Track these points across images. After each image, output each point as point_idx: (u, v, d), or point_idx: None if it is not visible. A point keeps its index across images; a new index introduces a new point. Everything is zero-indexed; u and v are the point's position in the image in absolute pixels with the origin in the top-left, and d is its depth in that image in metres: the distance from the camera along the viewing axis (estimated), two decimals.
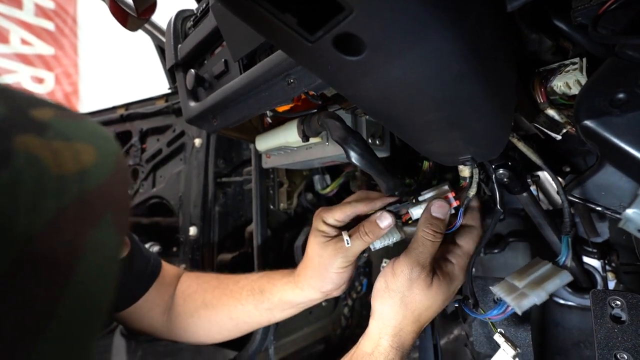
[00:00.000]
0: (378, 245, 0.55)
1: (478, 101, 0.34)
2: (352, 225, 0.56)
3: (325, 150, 0.61)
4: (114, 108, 1.16)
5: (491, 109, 0.35)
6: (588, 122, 0.34)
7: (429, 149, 0.44)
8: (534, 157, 0.45)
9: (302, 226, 0.91)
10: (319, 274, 0.58)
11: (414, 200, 0.51)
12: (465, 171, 0.46)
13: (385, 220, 0.53)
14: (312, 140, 0.61)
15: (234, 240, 0.94)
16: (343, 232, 0.53)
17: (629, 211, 0.32)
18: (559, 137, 0.47)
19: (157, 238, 1.14)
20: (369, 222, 0.54)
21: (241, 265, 0.92)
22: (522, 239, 0.89)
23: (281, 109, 0.60)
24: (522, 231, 0.91)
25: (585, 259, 0.80)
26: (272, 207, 0.86)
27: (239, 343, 0.79)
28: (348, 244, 0.52)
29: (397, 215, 0.53)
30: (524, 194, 0.61)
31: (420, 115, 0.35)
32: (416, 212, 0.51)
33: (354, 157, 0.43)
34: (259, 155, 0.82)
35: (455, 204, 0.48)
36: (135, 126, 1.11)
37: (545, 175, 0.94)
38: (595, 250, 0.79)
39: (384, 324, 0.47)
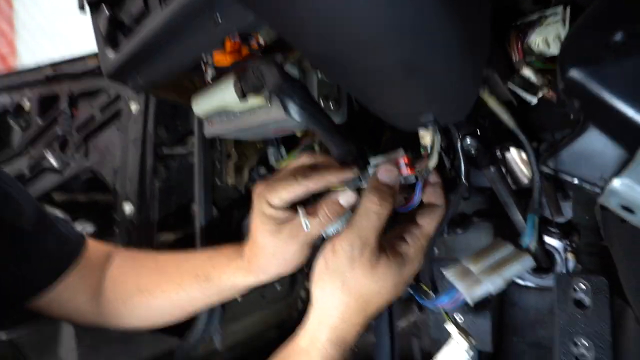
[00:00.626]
0: (331, 230, 0.47)
1: (444, 39, 0.26)
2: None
3: (269, 113, 0.52)
4: (39, 68, 1.00)
5: (459, 53, 0.28)
6: (575, 73, 0.27)
7: (384, 107, 0.36)
8: (506, 118, 0.38)
9: (251, 203, 0.82)
10: (275, 261, 0.51)
11: (364, 170, 0.43)
12: (426, 137, 0.39)
13: (349, 198, 0.46)
14: (254, 101, 0.52)
15: (178, 219, 0.84)
16: (300, 213, 0.45)
17: (616, 182, 0.26)
18: (534, 101, 0.41)
19: (95, 217, 1.01)
20: (331, 202, 0.46)
21: (185, 247, 0.83)
22: (487, 219, 0.86)
23: (220, 63, 0.50)
24: (487, 210, 0.87)
25: (547, 239, 0.77)
26: (218, 182, 0.76)
27: (184, 328, 0.71)
28: (307, 228, 0.44)
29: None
30: (492, 169, 0.55)
31: (373, 57, 0.27)
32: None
33: (293, 110, 0.35)
34: (201, 122, 0.72)
35: (406, 171, 0.41)
36: (64, 89, 0.95)
37: (511, 153, 0.90)
38: (557, 231, 0.76)
39: (323, 314, 0.41)
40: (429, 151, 0.40)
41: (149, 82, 0.57)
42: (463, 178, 0.39)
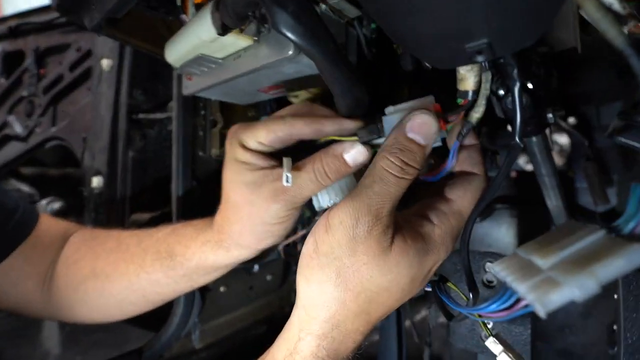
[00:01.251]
0: (326, 201, 0.36)
1: None
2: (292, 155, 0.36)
3: (257, 55, 0.41)
4: (4, 19, 0.87)
5: None
6: None
7: (416, 26, 0.24)
8: (613, 33, 0.25)
9: None
10: (251, 228, 0.39)
11: (378, 124, 0.32)
12: (468, 79, 0.27)
13: (358, 155, 0.34)
14: (239, 41, 0.40)
15: (155, 196, 0.73)
16: (285, 162, 0.33)
17: None
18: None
19: (66, 193, 0.90)
20: (332, 156, 0.34)
21: None
22: (511, 206, 0.74)
23: None
24: (511, 196, 0.76)
25: None
26: (200, 152, 0.65)
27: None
28: (288, 182, 0.32)
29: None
30: (535, 138, 0.44)
31: None
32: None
33: (285, 24, 0.24)
34: (180, 79, 0.60)
35: (439, 127, 0.29)
36: (29, 44, 0.83)
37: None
38: (600, 222, 0.65)
39: (308, 316, 0.29)
40: (469, 97, 0.28)
41: (108, 17, 0.45)
42: (517, 137, 0.28)
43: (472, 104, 0.29)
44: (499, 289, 0.26)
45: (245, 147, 0.36)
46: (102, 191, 0.69)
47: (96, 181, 0.69)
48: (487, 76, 0.26)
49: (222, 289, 0.68)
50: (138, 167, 0.71)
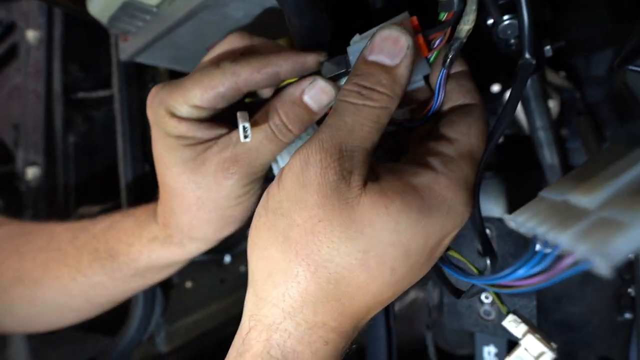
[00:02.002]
0: (288, 157, 0.29)
1: None
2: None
3: None
4: None
5: None
6: None
7: None
8: None
9: None
10: (204, 216, 0.31)
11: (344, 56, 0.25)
12: None
13: (321, 93, 0.27)
14: None
15: (105, 186, 0.64)
16: (239, 115, 0.26)
17: None
18: None
19: (5, 192, 0.79)
20: (289, 103, 0.27)
21: None
22: (498, 173, 0.70)
23: None
24: (496, 163, 0.72)
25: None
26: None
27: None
28: (247, 137, 0.25)
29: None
30: (530, 79, 0.38)
31: None
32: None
33: None
34: (117, 42, 0.52)
35: (420, 43, 0.23)
36: None
37: None
38: None
39: (256, 296, 0.22)
40: (454, 7, 0.22)
41: None
42: (528, 52, 0.22)
43: (459, 16, 0.22)
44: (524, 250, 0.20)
45: (175, 116, 0.28)
46: (40, 184, 0.59)
47: (32, 172, 0.59)
48: None
49: (188, 284, 0.60)
50: (82, 154, 0.62)
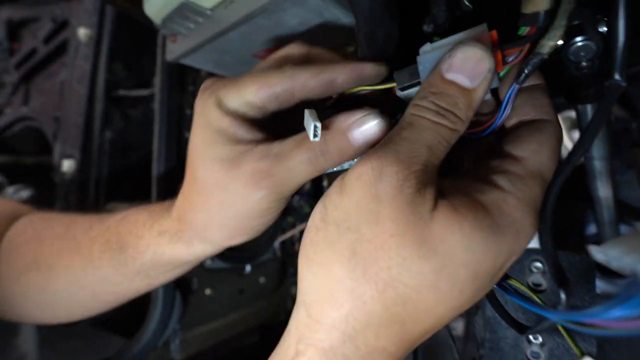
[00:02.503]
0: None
1: None
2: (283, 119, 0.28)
3: None
4: None
5: None
6: None
7: None
8: None
9: None
10: (221, 221, 0.30)
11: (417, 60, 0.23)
12: None
13: (372, 131, 0.25)
14: None
15: (137, 183, 0.65)
16: (307, 113, 0.24)
17: None
18: None
19: (40, 182, 0.81)
20: (336, 131, 0.26)
21: None
22: None
23: None
24: None
25: (625, 231, 0.58)
26: (187, 134, 0.57)
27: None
28: (317, 136, 0.24)
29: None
30: (591, 106, 0.36)
31: None
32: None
33: None
34: (164, 43, 0.52)
35: (495, 64, 0.21)
36: (2, 16, 0.75)
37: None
38: None
39: (310, 318, 0.19)
40: (539, 22, 0.20)
41: None
42: (618, 72, 0.20)
43: (543, 32, 0.21)
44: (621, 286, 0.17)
45: (224, 109, 0.27)
46: (74, 177, 0.60)
47: (67, 165, 0.60)
48: None
49: (208, 291, 0.59)
50: (117, 151, 0.62)
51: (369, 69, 0.25)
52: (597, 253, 0.18)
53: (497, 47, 0.22)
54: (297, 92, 0.27)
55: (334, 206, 0.20)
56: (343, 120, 0.26)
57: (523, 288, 0.23)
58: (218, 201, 0.28)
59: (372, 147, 0.21)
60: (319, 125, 0.23)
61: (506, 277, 0.24)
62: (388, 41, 0.23)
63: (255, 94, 0.26)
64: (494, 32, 0.22)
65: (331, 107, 0.30)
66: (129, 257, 0.35)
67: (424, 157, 0.19)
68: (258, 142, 0.28)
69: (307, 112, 0.24)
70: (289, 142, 0.27)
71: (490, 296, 0.28)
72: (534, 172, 0.21)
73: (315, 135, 0.23)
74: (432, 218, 0.18)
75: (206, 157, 0.28)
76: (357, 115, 0.25)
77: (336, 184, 0.20)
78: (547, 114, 0.23)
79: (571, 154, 0.22)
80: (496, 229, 0.19)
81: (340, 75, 0.26)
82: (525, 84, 0.24)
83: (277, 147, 0.27)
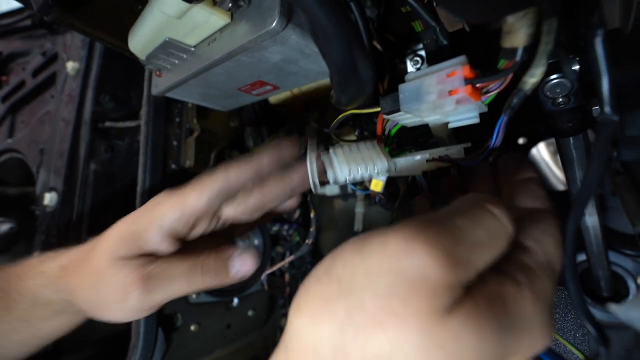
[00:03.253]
0: (345, 174, 0.29)
1: None
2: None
3: (236, 35, 0.33)
4: None
5: None
6: None
7: None
8: None
9: None
10: (92, 301, 0.33)
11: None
12: (518, 32, 0.19)
13: (243, 267, 0.33)
14: (213, 19, 0.33)
15: (120, 216, 0.63)
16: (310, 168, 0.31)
17: None
18: None
19: (22, 214, 0.79)
20: (218, 258, 0.33)
21: None
22: None
23: None
24: None
25: (614, 258, 0.58)
26: (173, 165, 0.56)
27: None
28: (315, 188, 0.33)
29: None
30: (573, 139, 0.36)
31: None
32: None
33: None
34: (150, 77, 0.53)
35: (468, 93, 0.21)
36: None
37: (539, 151, 0.72)
38: (632, 249, 0.57)
39: None
40: (517, 58, 0.20)
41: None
42: (609, 106, 0.19)
43: (520, 66, 0.21)
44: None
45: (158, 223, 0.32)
46: (55, 210, 0.59)
47: (49, 198, 0.59)
48: (552, 24, 0.19)
49: (192, 327, 0.57)
50: (101, 183, 0.61)
51: (286, 150, 0.31)
52: (620, 313, 0.17)
53: (470, 81, 0.22)
54: (232, 189, 0.33)
55: (344, 263, 0.18)
56: (226, 251, 0.32)
57: (566, 343, 0.22)
58: (96, 284, 0.32)
59: (415, 217, 0.19)
60: (316, 182, 0.30)
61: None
62: (362, 85, 0.23)
63: (179, 218, 0.32)
64: (468, 68, 0.22)
65: (335, 127, 0.32)
66: (11, 300, 0.35)
67: (467, 263, 0.17)
68: (162, 255, 0.33)
69: (309, 141, 0.30)
70: (175, 261, 0.32)
71: None
72: (542, 263, 0.20)
73: (315, 189, 0.29)
74: (451, 312, 0.17)
75: (112, 248, 0.32)
76: (238, 250, 0.32)
77: (355, 240, 0.19)
78: (543, 204, 0.24)
79: (580, 192, 0.22)
80: (515, 327, 0.18)
81: (264, 161, 0.31)
82: (523, 176, 0.26)
83: (161, 264, 0.32)
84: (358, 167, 0.29)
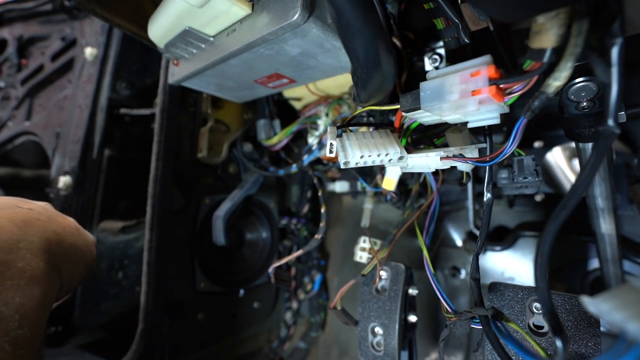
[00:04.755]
0: (356, 157, 0.29)
1: None
2: None
3: (256, 26, 0.33)
4: None
5: None
6: None
7: None
8: None
9: (229, 188, 0.62)
10: None
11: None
12: (548, 32, 0.19)
13: None
14: (233, 10, 0.32)
15: (134, 202, 0.64)
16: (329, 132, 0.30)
17: None
18: None
19: (37, 196, 0.81)
20: None
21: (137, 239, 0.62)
22: (539, 234, 0.65)
23: None
24: (538, 222, 0.67)
25: (629, 268, 0.57)
26: (186, 154, 0.57)
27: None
28: (331, 153, 0.30)
29: None
30: (591, 144, 0.36)
31: None
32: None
33: None
34: (167, 66, 0.53)
35: (490, 96, 0.21)
36: (14, 32, 0.77)
37: (553, 154, 0.70)
38: None
39: None
40: (545, 59, 0.20)
41: None
42: (612, 119, 0.19)
43: (548, 68, 0.21)
44: (617, 339, 0.16)
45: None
46: (70, 193, 0.60)
47: (63, 182, 0.60)
48: (583, 25, 0.18)
49: (200, 316, 0.57)
50: (115, 168, 0.62)
51: None
52: (590, 305, 0.17)
53: (495, 81, 0.22)
54: None
55: None
56: None
57: (522, 332, 0.22)
58: None
59: None
60: (334, 143, 0.28)
61: (502, 317, 0.23)
62: (383, 82, 0.23)
63: None
64: (493, 68, 0.22)
65: (346, 124, 0.31)
66: None
67: None
68: None
69: (329, 129, 0.28)
70: None
71: (491, 336, 0.27)
72: None
73: (330, 152, 0.28)
74: None
75: None
76: None
77: None
78: None
79: (565, 199, 0.22)
80: None
81: None
82: None
83: None
84: (370, 152, 0.28)
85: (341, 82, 0.54)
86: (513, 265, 0.67)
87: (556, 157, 0.70)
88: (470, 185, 0.59)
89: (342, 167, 0.29)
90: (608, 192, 0.39)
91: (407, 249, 0.73)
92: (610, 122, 0.20)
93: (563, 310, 0.34)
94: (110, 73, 0.62)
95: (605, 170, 0.37)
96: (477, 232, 0.67)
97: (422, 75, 0.30)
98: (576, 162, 0.72)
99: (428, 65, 0.44)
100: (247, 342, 0.66)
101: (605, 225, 0.43)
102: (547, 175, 0.68)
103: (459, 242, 0.74)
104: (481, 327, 0.26)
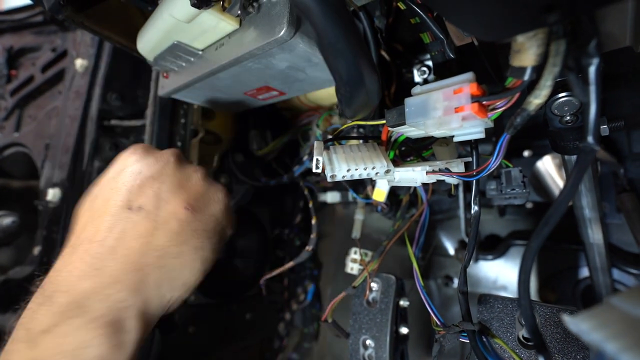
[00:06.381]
0: (343, 171, 0.29)
1: None
2: None
3: (244, 41, 0.33)
4: None
5: None
6: None
7: None
8: None
9: None
10: None
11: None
12: (527, 51, 0.19)
13: None
14: (221, 26, 0.33)
15: None
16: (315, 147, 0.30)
17: None
18: None
19: (26, 208, 0.80)
20: None
21: None
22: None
23: None
24: (529, 230, 0.68)
25: (618, 276, 0.57)
26: None
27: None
28: (317, 168, 0.30)
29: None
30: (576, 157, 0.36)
31: None
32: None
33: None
34: (157, 78, 0.53)
35: (472, 112, 0.21)
36: (4, 43, 0.76)
37: (543, 161, 0.71)
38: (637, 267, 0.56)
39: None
40: (525, 77, 0.20)
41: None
42: (592, 136, 0.19)
43: (528, 86, 0.21)
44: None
45: None
46: (58, 205, 0.59)
47: (52, 194, 0.59)
48: (560, 46, 0.19)
49: (191, 329, 0.57)
50: None
51: None
52: (570, 324, 0.17)
53: (477, 98, 0.22)
54: None
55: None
56: None
57: (507, 348, 0.22)
58: None
59: None
60: (320, 158, 0.28)
61: (487, 331, 0.23)
62: (367, 99, 0.23)
63: None
64: (475, 85, 0.22)
65: (334, 138, 0.31)
66: None
67: None
68: None
69: (315, 144, 0.29)
70: None
71: (478, 353, 0.27)
72: None
73: (317, 167, 0.28)
74: None
75: None
76: None
77: None
78: None
79: (548, 214, 0.22)
80: None
81: None
82: None
83: None
84: (357, 165, 0.29)
85: (332, 92, 0.54)
86: (505, 274, 0.67)
87: (547, 165, 0.71)
88: (461, 195, 0.59)
89: (329, 180, 0.29)
90: (594, 202, 0.40)
91: (400, 257, 0.73)
92: (590, 139, 0.21)
93: (552, 323, 0.34)
94: (101, 84, 0.62)
95: (590, 181, 0.38)
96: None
97: (411, 86, 0.31)
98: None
99: (417, 76, 0.44)
100: (240, 355, 0.65)
101: (593, 235, 0.43)
102: (538, 183, 0.68)
103: (451, 251, 0.74)
104: (469, 342, 0.26)
